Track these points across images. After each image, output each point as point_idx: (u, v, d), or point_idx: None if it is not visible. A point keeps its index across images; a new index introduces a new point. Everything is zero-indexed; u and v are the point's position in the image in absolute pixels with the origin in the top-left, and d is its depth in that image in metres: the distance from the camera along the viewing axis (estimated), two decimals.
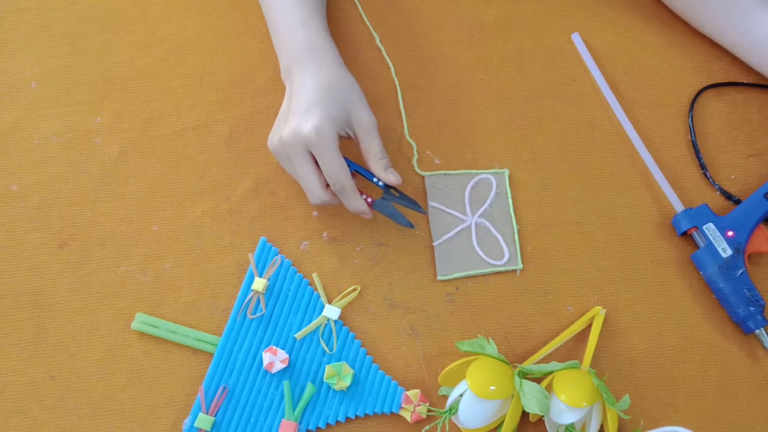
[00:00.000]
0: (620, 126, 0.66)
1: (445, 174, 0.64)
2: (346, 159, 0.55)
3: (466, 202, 0.63)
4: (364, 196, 0.57)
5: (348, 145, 0.59)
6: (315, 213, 0.62)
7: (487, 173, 0.64)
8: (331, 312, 0.59)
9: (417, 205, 0.58)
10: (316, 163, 0.55)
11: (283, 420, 0.55)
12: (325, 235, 0.61)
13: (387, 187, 0.58)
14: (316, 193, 0.55)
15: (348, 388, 0.57)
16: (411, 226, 0.58)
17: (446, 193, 0.63)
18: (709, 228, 0.61)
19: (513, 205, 0.63)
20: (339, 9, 0.69)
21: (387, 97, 0.66)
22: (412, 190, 0.63)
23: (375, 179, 0.57)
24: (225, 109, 0.65)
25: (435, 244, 0.61)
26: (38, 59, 0.65)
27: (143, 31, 0.67)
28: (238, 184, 0.62)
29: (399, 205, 0.59)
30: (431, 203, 0.63)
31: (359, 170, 0.57)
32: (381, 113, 0.65)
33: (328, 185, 0.56)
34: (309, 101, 0.55)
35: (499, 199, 0.63)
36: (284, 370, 0.57)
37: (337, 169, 0.54)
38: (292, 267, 0.60)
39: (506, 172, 0.64)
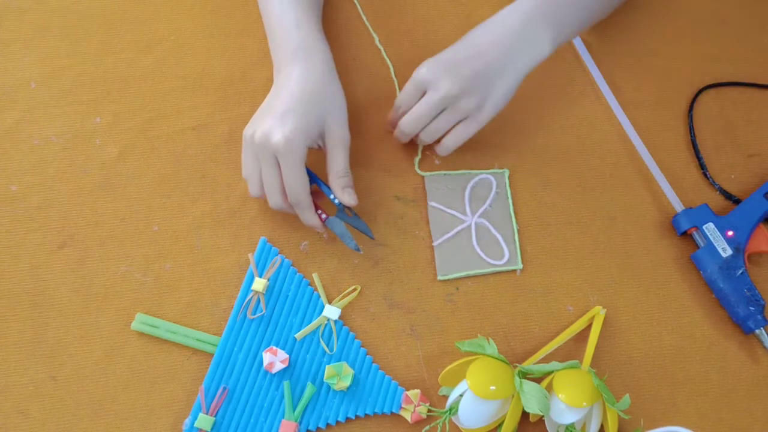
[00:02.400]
0: (620, 126, 0.66)
1: (445, 174, 0.64)
2: (308, 170, 0.56)
3: (466, 202, 0.63)
4: (319, 212, 0.57)
5: (318, 156, 0.59)
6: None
7: (487, 173, 0.64)
8: (331, 312, 0.59)
9: (367, 229, 0.58)
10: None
11: (283, 420, 0.55)
12: (325, 235, 0.61)
13: (342, 205, 0.58)
14: (274, 198, 0.56)
15: (348, 388, 0.57)
16: (357, 249, 0.58)
17: (446, 193, 0.63)
18: (709, 228, 0.61)
19: (513, 205, 0.63)
20: (339, 9, 0.69)
21: (387, 97, 0.66)
22: (412, 190, 0.63)
23: (332, 196, 0.57)
24: (225, 109, 0.65)
25: (435, 244, 0.61)
26: (38, 59, 0.65)
27: (143, 31, 0.67)
28: (238, 184, 0.62)
29: (350, 226, 0.59)
30: (431, 203, 0.63)
31: (319, 183, 0.58)
32: (381, 113, 0.65)
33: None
34: (288, 104, 0.55)
35: (499, 199, 0.63)
36: (284, 370, 0.57)
37: (296, 183, 0.54)
38: (292, 267, 0.60)
39: (506, 172, 0.64)
